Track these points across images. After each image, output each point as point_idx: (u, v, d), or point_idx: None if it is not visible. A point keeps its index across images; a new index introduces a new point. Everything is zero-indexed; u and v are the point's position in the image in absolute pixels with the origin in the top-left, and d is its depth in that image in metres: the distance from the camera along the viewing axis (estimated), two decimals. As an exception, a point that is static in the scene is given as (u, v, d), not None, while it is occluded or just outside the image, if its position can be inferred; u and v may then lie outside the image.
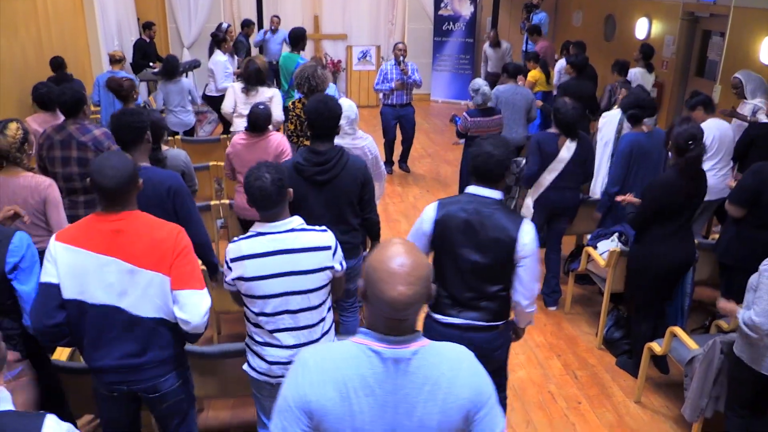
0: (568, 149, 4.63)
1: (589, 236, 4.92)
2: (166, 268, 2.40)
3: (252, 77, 5.88)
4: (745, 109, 5.51)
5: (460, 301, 2.81)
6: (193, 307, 2.41)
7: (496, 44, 10.15)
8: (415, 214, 6.98)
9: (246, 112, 5.91)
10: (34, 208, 3.43)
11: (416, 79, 7.65)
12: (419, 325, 3.02)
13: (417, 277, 1.59)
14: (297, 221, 2.64)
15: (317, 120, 3.33)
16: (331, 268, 2.62)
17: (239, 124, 6.04)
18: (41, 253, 2.51)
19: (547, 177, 4.70)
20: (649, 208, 3.84)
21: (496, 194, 2.78)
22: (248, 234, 2.61)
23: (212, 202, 5.05)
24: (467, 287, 2.79)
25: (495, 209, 2.74)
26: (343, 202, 3.43)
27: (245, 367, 2.75)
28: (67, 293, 2.38)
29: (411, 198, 7.46)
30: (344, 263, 2.72)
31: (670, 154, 3.98)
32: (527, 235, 2.73)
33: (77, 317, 2.42)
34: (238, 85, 6.04)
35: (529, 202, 4.85)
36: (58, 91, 4.37)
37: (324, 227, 2.70)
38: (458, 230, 2.74)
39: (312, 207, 3.37)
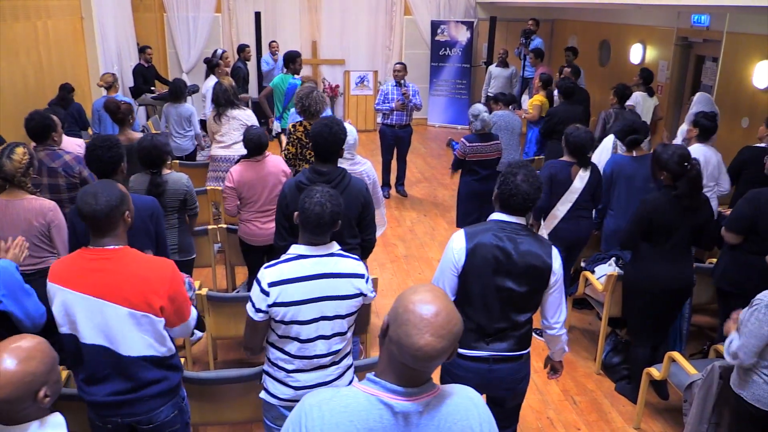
0: (581, 179, 4.51)
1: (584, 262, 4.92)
2: (156, 310, 2.38)
3: (220, 97, 5.90)
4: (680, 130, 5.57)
5: (488, 333, 2.74)
6: (186, 332, 2.60)
7: (504, 64, 10.23)
8: (413, 238, 7.01)
9: (224, 137, 5.95)
10: (39, 231, 3.48)
11: (416, 102, 7.73)
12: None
13: (449, 332, 1.49)
14: (336, 246, 2.63)
15: (320, 143, 3.38)
16: (364, 295, 2.61)
17: (216, 149, 6.04)
18: (44, 272, 2.50)
19: (561, 209, 4.56)
20: (636, 225, 3.83)
21: (522, 220, 2.75)
22: (288, 257, 2.55)
23: (209, 227, 5.04)
24: (499, 317, 2.72)
25: (525, 235, 2.70)
26: (343, 223, 3.45)
27: (263, 395, 2.69)
28: (63, 329, 2.41)
29: (408, 222, 7.46)
30: (375, 291, 2.69)
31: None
32: (557, 260, 2.73)
33: (75, 350, 2.43)
34: (210, 116, 6.04)
35: (543, 235, 4.70)
36: (27, 117, 4.36)
37: (357, 255, 2.71)
38: (492, 259, 2.65)
39: None
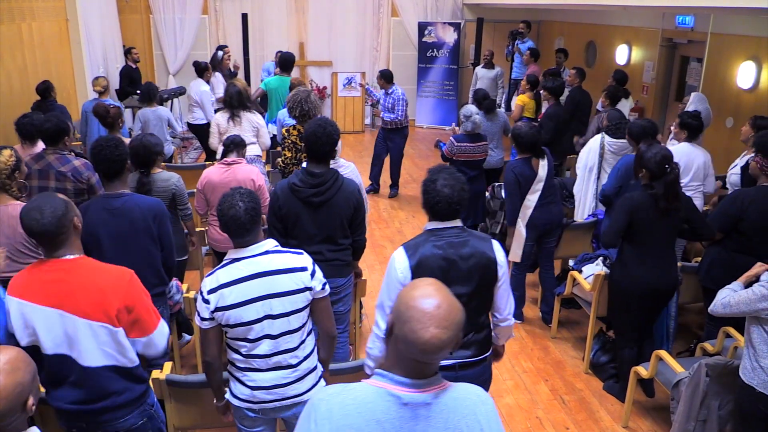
0: (543, 167, 4.75)
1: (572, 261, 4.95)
2: (114, 320, 2.35)
3: (234, 99, 5.90)
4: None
5: None
6: (154, 347, 2.50)
7: (489, 65, 10.25)
8: (401, 239, 6.99)
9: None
10: (23, 237, 3.42)
11: (393, 117, 7.73)
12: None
13: (452, 322, 1.52)
14: (271, 243, 2.62)
15: (314, 143, 3.37)
16: (311, 289, 2.60)
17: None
18: None
19: (531, 198, 4.77)
20: (618, 222, 3.84)
21: (456, 223, 2.70)
22: (223, 263, 2.58)
23: (198, 229, 5.01)
24: None
25: (464, 237, 2.68)
26: (336, 224, 3.47)
27: (227, 395, 2.71)
28: (23, 341, 2.37)
29: (397, 223, 7.47)
30: (327, 286, 2.68)
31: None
32: (500, 252, 2.73)
33: (38, 361, 2.39)
34: (221, 117, 6.04)
35: (521, 227, 4.87)
36: (42, 119, 4.34)
37: (300, 250, 2.70)
38: (439, 270, 2.60)
39: (305, 227, 3.43)
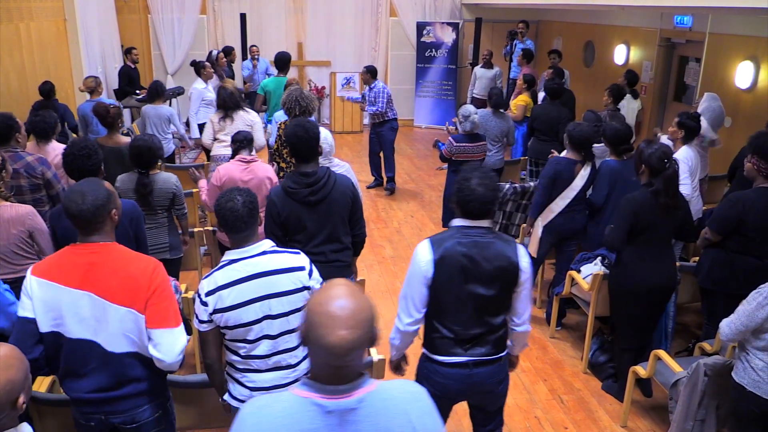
0: (582, 177, 4.66)
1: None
2: (140, 306, 2.35)
3: (228, 101, 5.91)
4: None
5: (465, 339, 2.72)
6: (168, 346, 2.37)
7: (488, 65, 10.26)
8: (400, 239, 7.01)
9: (228, 137, 5.96)
10: (18, 238, 3.41)
11: (374, 109, 7.96)
12: (412, 370, 3.00)
13: (359, 321, 1.49)
14: (268, 244, 2.62)
15: (299, 144, 3.38)
16: (309, 288, 2.60)
17: (219, 149, 6.04)
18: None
19: (560, 203, 4.70)
20: (624, 223, 3.83)
21: (485, 223, 2.70)
22: (220, 264, 2.57)
23: (196, 229, 5.01)
24: (474, 324, 2.70)
25: (491, 238, 2.67)
26: (336, 220, 3.48)
27: (226, 397, 2.70)
28: (44, 327, 2.35)
29: (395, 223, 7.46)
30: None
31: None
32: (524, 258, 2.71)
33: (55, 349, 2.39)
34: (216, 116, 6.05)
35: (538, 226, 4.84)
36: None
37: (297, 250, 2.71)
38: (460, 266, 2.62)
39: (307, 227, 3.43)
